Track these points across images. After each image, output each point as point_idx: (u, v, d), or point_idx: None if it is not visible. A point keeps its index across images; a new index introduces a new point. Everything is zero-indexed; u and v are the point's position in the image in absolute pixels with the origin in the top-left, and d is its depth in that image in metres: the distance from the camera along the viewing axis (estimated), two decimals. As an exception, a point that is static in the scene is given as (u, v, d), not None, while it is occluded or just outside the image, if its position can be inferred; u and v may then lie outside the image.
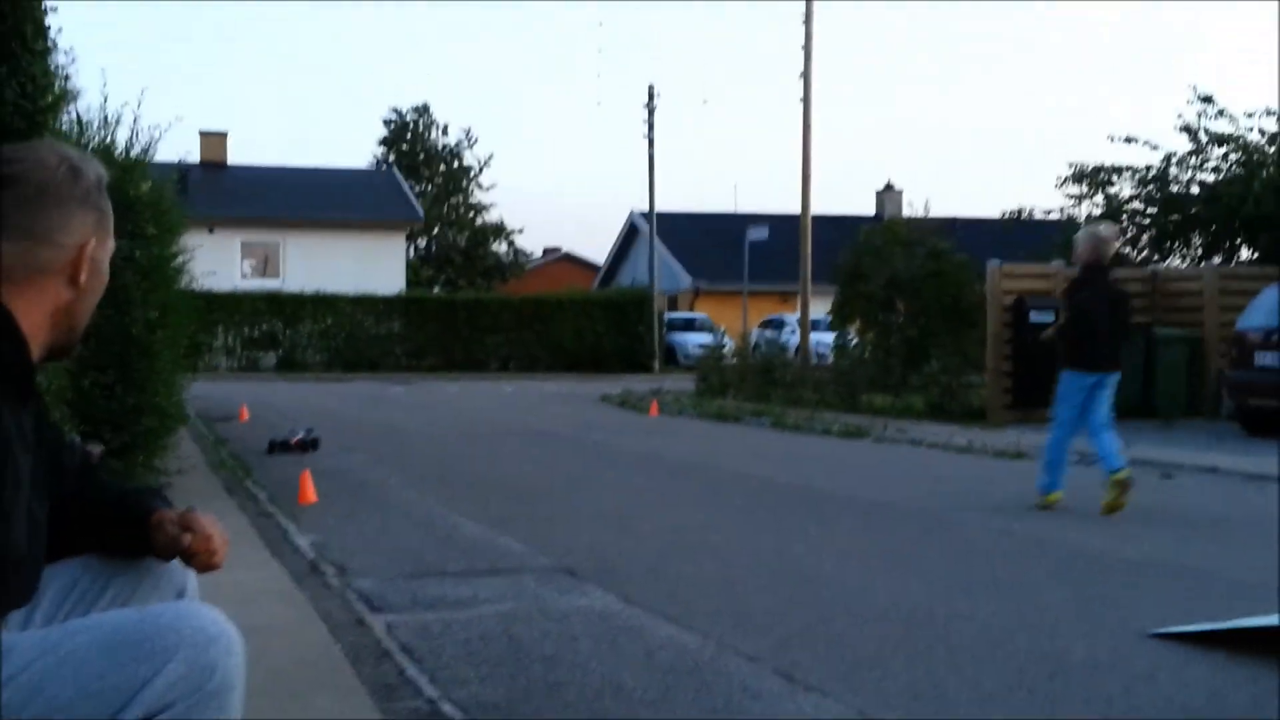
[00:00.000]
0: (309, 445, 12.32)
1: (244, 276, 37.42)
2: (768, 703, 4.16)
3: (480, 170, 52.80)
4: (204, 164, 39.93)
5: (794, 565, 6.63)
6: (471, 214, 52.76)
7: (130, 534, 2.29)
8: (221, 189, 38.65)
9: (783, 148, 65.14)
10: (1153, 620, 5.29)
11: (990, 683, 4.39)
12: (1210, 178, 23.24)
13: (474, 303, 38.14)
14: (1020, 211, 25.92)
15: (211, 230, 33.42)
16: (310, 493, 8.81)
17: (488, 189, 53.72)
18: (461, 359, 36.16)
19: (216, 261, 34.74)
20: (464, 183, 52.66)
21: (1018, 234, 26.69)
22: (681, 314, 42.75)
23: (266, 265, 38.30)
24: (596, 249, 70.99)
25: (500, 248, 53.82)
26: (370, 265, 37.52)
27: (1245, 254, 23.19)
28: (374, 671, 4.46)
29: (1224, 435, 14.18)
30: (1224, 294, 16.78)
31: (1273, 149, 22.68)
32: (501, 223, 53.36)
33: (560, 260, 61.90)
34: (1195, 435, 14.25)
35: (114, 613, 2.17)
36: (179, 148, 41.43)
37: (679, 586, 6.05)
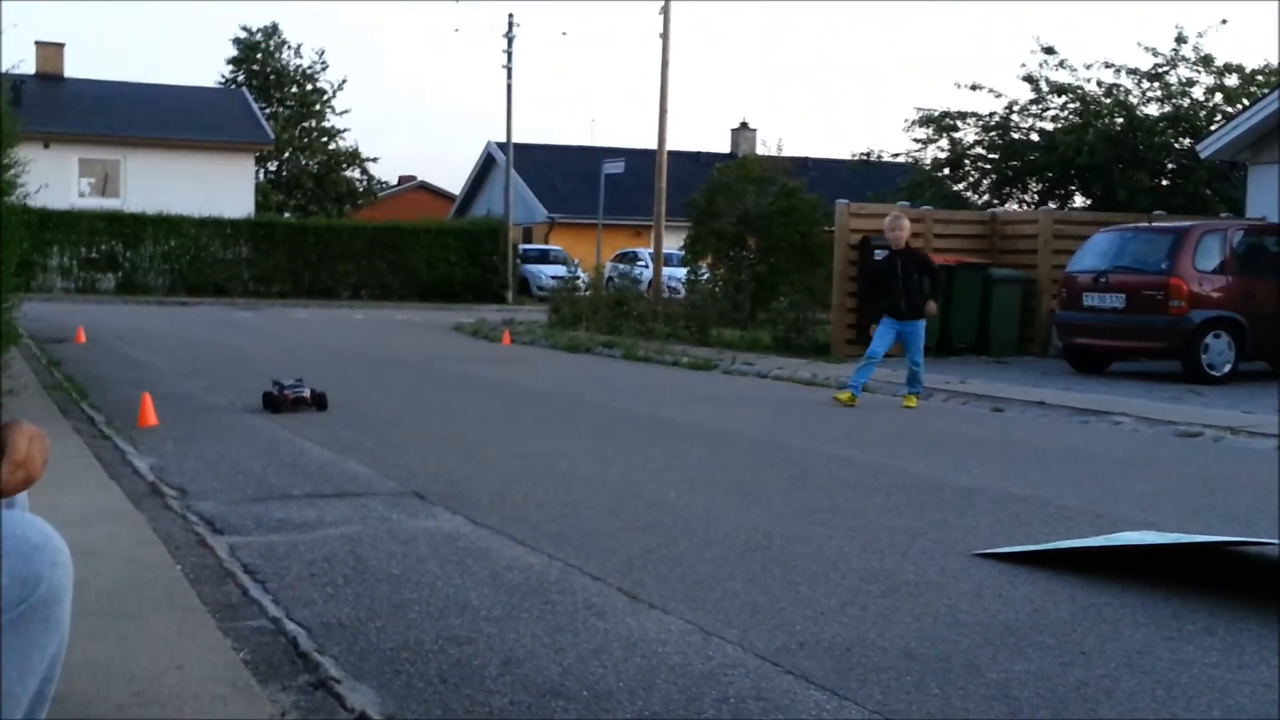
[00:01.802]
0: (318, 402, 9.84)
1: (81, 195, 35.85)
2: (611, 620, 4.25)
3: (334, 94, 51.48)
4: (40, 76, 38.10)
5: (639, 491, 6.75)
6: (325, 139, 51.45)
7: None
8: (58, 103, 36.93)
9: (641, 83, 65.26)
10: (980, 543, 5.55)
11: (824, 600, 4.56)
12: (1049, 126, 24.04)
13: (325, 229, 37.25)
14: (869, 154, 26.44)
15: (47, 145, 31.98)
16: (150, 416, 8.61)
17: (341, 114, 52.44)
18: (311, 286, 35.43)
19: (51, 178, 33.38)
20: (317, 106, 51.26)
21: (867, 175, 27.25)
22: (536, 246, 42.56)
23: (106, 184, 36.77)
24: (452, 179, 70.01)
25: (354, 174, 52.68)
26: (216, 187, 36.30)
27: (1079, 200, 24.13)
28: (215, 592, 4.41)
29: (1053, 372, 14.78)
30: (1057, 238, 17.46)
31: (1108, 100, 23.56)
32: (356, 149, 52.20)
33: (415, 189, 60.92)
34: (1026, 372, 14.82)
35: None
36: (11, 57, 39.27)
37: (526, 510, 6.11)
